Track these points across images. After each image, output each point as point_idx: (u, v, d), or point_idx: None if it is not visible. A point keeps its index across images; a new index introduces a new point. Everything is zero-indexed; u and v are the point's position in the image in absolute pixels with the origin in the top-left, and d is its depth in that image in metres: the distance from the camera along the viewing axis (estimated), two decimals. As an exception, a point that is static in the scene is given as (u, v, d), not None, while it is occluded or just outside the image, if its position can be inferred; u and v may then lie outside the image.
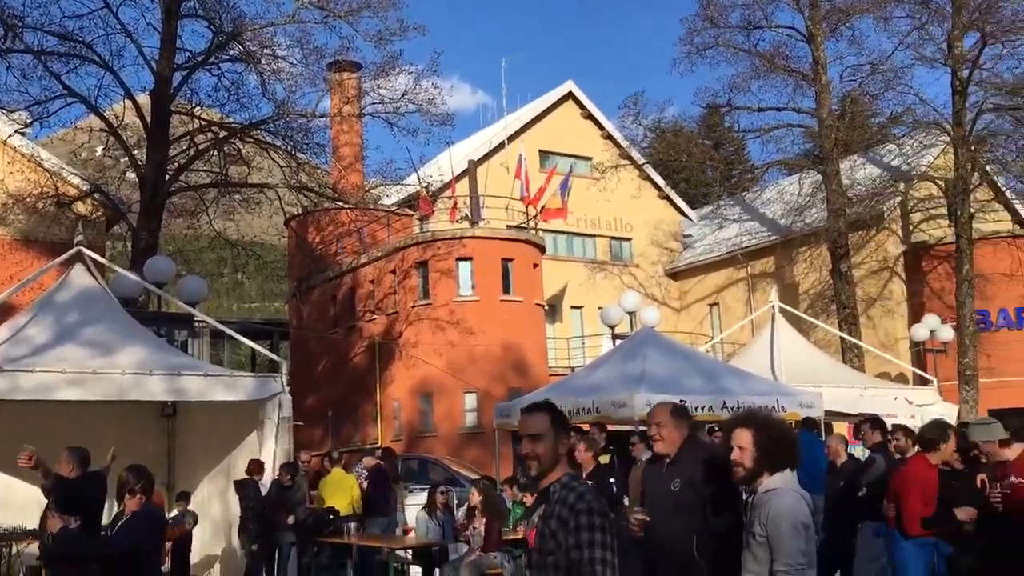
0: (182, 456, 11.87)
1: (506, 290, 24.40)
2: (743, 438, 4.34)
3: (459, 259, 24.21)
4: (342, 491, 12.09)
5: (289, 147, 20.95)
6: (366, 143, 27.44)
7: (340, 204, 24.53)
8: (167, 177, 19.39)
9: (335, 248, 28.21)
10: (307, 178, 21.82)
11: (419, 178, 24.51)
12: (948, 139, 24.15)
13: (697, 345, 24.95)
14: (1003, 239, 25.44)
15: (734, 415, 4.66)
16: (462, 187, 26.39)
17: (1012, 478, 6.33)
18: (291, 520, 11.11)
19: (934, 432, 6.56)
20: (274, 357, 12.66)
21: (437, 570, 10.44)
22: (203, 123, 20.95)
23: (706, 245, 34.17)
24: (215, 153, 20.89)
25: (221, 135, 20.87)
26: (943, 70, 24.00)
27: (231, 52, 20.24)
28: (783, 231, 28.89)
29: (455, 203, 25.39)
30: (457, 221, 25.86)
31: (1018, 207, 29.30)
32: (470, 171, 26.05)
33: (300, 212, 25.06)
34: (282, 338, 32.70)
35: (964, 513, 5.96)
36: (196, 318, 15.38)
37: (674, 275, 34.74)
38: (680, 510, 4.95)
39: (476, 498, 10.17)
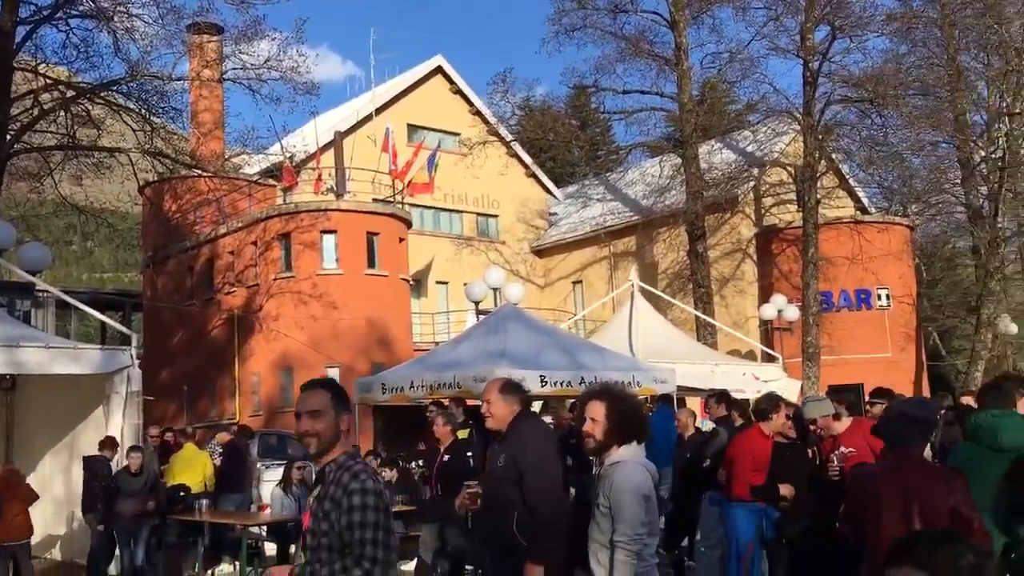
0: (22, 430, 11.29)
1: (371, 264, 24.16)
2: (596, 411, 4.46)
3: (323, 232, 23.80)
4: (193, 468, 11.77)
5: (143, 110, 20.03)
6: (227, 110, 26.52)
7: (198, 172, 23.66)
8: (8, 137, 18.23)
9: (193, 217, 27.22)
10: (163, 144, 20.91)
11: (283, 148, 23.88)
12: (798, 127, 25.27)
13: (560, 322, 25.41)
14: (846, 224, 26.90)
15: (588, 388, 4.77)
16: (327, 159, 25.90)
17: (843, 449, 6.75)
18: (151, 505, 10.49)
19: (766, 403, 6.91)
20: (123, 329, 12.18)
21: (293, 546, 10.31)
22: (49, 81, 19.75)
23: (571, 223, 34.75)
24: (62, 114, 19.74)
25: (69, 95, 19.72)
26: (796, 61, 25.09)
27: (81, 7, 19.15)
28: (644, 212, 29.67)
29: (320, 175, 24.88)
30: (322, 193, 25.38)
31: (860, 194, 31.04)
32: (336, 143, 25.60)
33: (155, 179, 24.02)
34: (135, 310, 31.44)
35: (785, 488, 6.31)
36: (38, 287, 14.58)
37: (539, 252, 35.19)
38: (504, 487, 4.98)
39: (334, 473, 10.07)
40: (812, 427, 7.15)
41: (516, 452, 5.09)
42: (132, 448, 10.24)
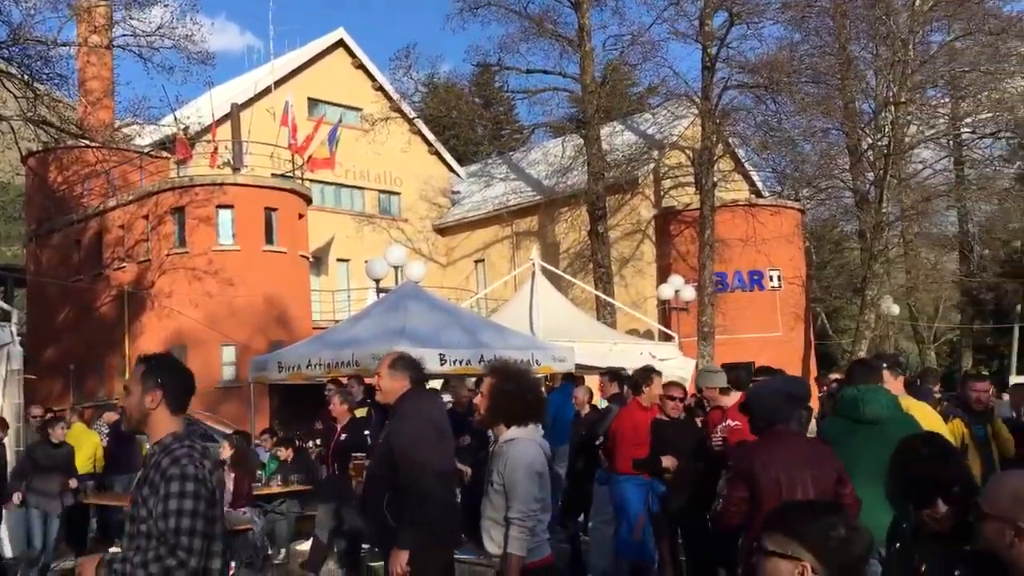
0: None
1: (269, 240, 23.66)
2: (485, 386, 4.53)
3: (219, 206, 23.16)
4: (82, 447, 11.35)
5: (26, 76, 19.09)
6: (117, 78, 25.38)
7: (86, 142, 22.72)
8: None
9: (80, 189, 26.12)
10: (47, 112, 19.98)
11: (176, 119, 23.14)
12: (697, 112, 25.77)
13: (462, 300, 25.41)
14: (741, 207, 27.60)
15: (490, 363, 4.81)
16: (224, 132, 25.19)
17: (729, 422, 6.94)
18: (72, 484, 9.97)
19: (639, 375, 7.09)
20: (3, 305, 11.62)
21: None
22: (-78, 43, 18.65)
23: (474, 202, 34.71)
24: (-64, 77, 18.69)
25: (-58, 58, 18.68)
26: (695, 46, 25.55)
27: (-44, -35, 18.10)
28: (547, 192, 29.86)
29: (216, 148, 24.18)
30: (218, 167, 24.67)
31: (755, 178, 31.90)
32: (233, 115, 24.90)
33: (40, 148, 22.95)
34: (18, 285, 30.08)
35: (667, 460, 6.46)
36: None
37: (442, 231, 35.06)
38: (380, 465, 5.02)
39: (227, 452, 9.89)
40: (702, 396, 7.36)
41: (392, 431, 5.09)
42: (52, 419, 9.78)
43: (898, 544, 3.01)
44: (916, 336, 38.31)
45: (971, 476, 3.11)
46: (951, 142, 30.67)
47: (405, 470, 4.89)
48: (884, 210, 26.79)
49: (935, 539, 2.88)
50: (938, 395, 8.75)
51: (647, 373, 6.99)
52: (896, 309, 30.16)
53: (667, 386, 7.45)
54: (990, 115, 27.83)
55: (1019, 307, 36.13)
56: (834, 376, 9.00)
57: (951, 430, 5.62)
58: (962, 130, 29.83)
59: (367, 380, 10.56)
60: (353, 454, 5.26)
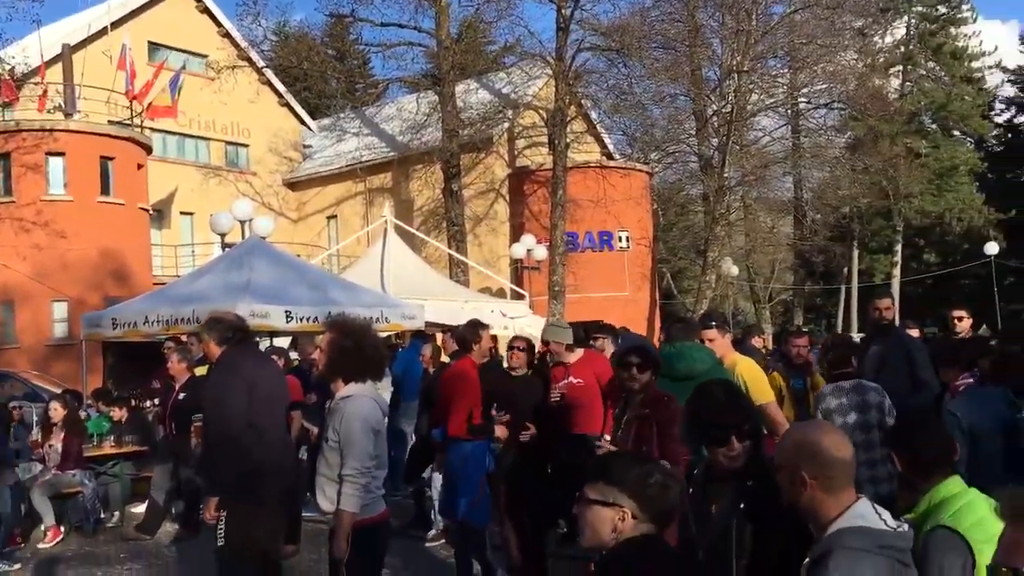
0: None
1: (105, 191, 22.46)
2: (325, 340, 4.47)
3: (49, 154, 21.79)
4: None
5: None
6: (-68, 10, 23.40)
7: None
8: None
9: None
10: None
11: (0, 59, 21.52)
12: (551, 72, 25.96)
13: (313, 257, 24.92)
14: (592, 168, 28.11)
15: (328, 318, 4.76)
16: (54, 74, 23.63)
17: (571, 379, 7.09)
18: None
19: (467, 332, 6.80)
20: None
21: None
22: None
23: (326, 157, 33.94)
24: None
25: None
26: (550, 6, 25.62)
27: None
28: (401, 148, 29.52)
29: (45, 91, 22.64)
30: (48, 111, 23.14)
31: (606, 140, 32.53)
32: (65, 57, 23.36)
33: None
34: None
35: (500, 430, 6.53)
36: None
37: (292, 185, 34.18)
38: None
39: (58, 413, 9.41)
40: (546, 348, 7.41)
41: (205, 386, 5.06)
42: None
43: (691, 489, 3.18)
44: (753, 296, 40.29)
45: (759, 417, 3.36)
46: (789, 111, 32.18)
47: (209, 424, 4.94)
48: (726, 175, 27.89)
49: (726, 479, 3.07)
50: (763, 351, 9.22)
51: (474, 328, 6.72)
52: (735, 270, 31.58)
53: (513, 338, 7.51)
54: (824, 86, 29.35)
55: (846, 269, 38.57)
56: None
57: (770, 382, 5.94)
58: (799, 100, 31.34)
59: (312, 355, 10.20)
60: (194, 416, 5.12)
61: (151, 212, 25.17)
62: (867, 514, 2.47)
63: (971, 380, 5.72)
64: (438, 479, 8.22)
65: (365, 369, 4.39)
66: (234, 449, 4.89)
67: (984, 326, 19.25)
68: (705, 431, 3.14)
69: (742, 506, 2.96)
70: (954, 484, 3.01)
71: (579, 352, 7.15)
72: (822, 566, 2.34)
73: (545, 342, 7.50)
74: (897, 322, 8.43)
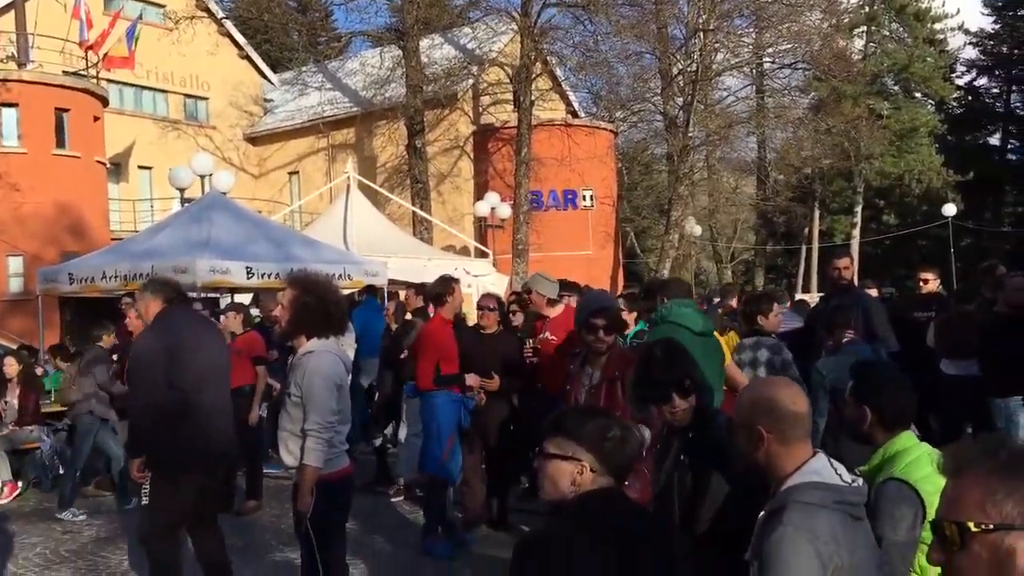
0: None
1: (60, 144, 21.99)
2: (286, 296, 4.44)
3: (2, 104, 21.24)
4: None
5: None
6: None
7: None
8: None
9: None
10: None
11: (-51, 5, 20.88)
12: (516, 28, 25.69)
13: (274, 213, 24.64)
14: (557, 127, 27.98)
15: (290, 274, 4.72)
16: (6, 23, 22.97)
17: (547, 334, 7.11)
18: None
19: (440, 287, 6.72)
20: None
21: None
22: None
23: (288, 111, 33.43)
24: None
25: None
26: (516, -39, 25.32)
27: None
28: (364, 103, 29.15)
29: (-3, 39, 22.04)
30: (1, 61, 22.54)
31: (572, 98, 32.37)
32: (17, 5, 22.70)
33: None
34: None
35: (471, 379, 6.57)
36: None
37: (253, 140, 33.69)
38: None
39: (12, 369, 9.29)
40: (528, 297, 7.42)
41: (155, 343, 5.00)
42: None
43: (657, 446, 3.25)
44: (715, 256, 40.64)
45: (700, 373, 3.42)
46: (754, 71, 32.21)
47: (131, 385, 4.97)
48: (691, 134, 27.92)
49: (677, 433, 3.15)
50: (722, 312, 9.31)
51: (447, 283, 6.65)
52: (698, 230, 31.75)
53: (482, 297, 7.52)
54: (789, 46, 29.34)
55: (806, 230, 38.95)
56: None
57: (726, 341, 6.04)
58: (764, 60, 31.36)
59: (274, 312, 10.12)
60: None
61: (108, 166, 24.71)
62: (823, 469, 2.52)
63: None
64: (403, 435, 8.26)
65: (327, 325, 4.38)
66: (156, 412, 4.81)
67: (940, 286, 19.59)
68: (647, 390, 3.22)
69: (682, 458, 3.05)
70: (907, 438, 3.09)
71: (559, 307, 7.16)
72: (776, 520, 2.39)
73: (528, 291, 7.50)
74: (856, 282, 8.56)
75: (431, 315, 7.02)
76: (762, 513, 2.51)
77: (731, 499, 2.97)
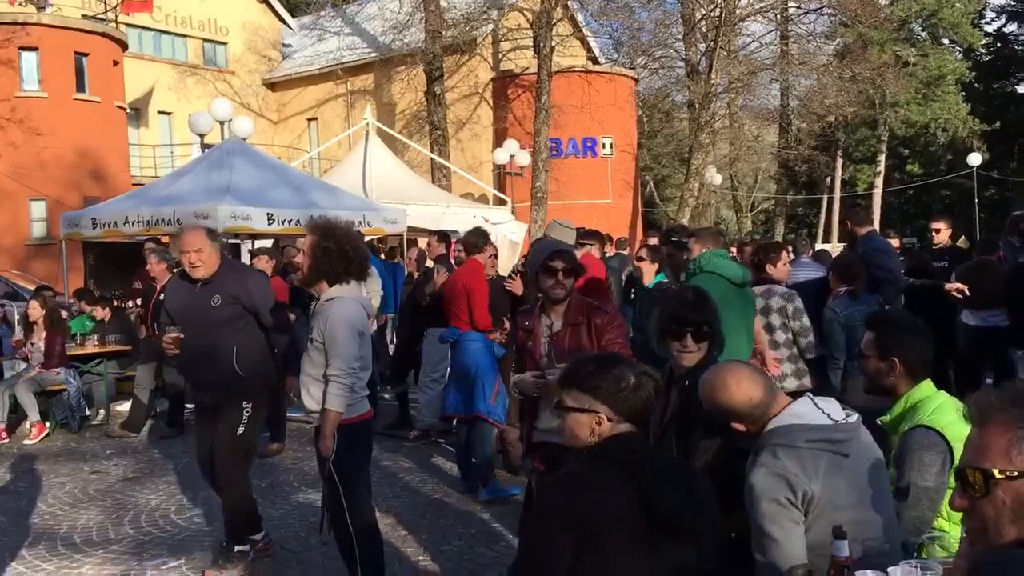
0: None
1: (80, 88, 22.00)
2: (307, 243, 4.46)
3: (22, 48, 21.24)
4: None
5: None
6: None
7: None
8: None
9: None
10: None
11: (-34, -53, 20.77)
12: (537, -28, 25.29)
13: (293, 160, 24.63)
14: (577, 73, 27.68)
15: (309, 220, 4.72)
16: (24, -36, 22.81)
17: None
18: None
19: (475, 237, 7.12)
20: None
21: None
22: None
23: (306, 57, 33.23)
24: None
25: None
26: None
27: None
28: (383, 49, 28.91)
29: (15, -18, 21.94)
30: (20, 4, 22.44)
31: (592, 44, 31.95)
32: (34, -54, 22.54)
33: None
34: None
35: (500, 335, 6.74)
36: None
37: (272, 85, 33.55)
38: (223, 324, 5.07)
39: (37, 311, 9.40)
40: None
41: (234, 291, 5.08)
42: None
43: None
44: (735, 205, 40.32)
45: (721, 326, 3.51)
46: (778, 16, 31.59)
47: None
48: (713, 81, 27.53)
49: (676, 383, 3.35)
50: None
51: (483, 234, 7.12)
52: (719, 179, 31.51)
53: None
54: (816, -9, 28.77)
55: (828, 179, 38.54)
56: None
57: None
58: (789, 4, 30.75)
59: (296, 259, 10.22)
60: (168, 327, 5.12)
61: (128, 111, 24.71)
62: (805, 412, 2.65)
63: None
64: (429, 387, 8.33)
65: (348, 270, 4.40)
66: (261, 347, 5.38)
67: (963, 237, 19.42)
68: (668, 323, 3.28)
69: (677, 406, 3.14)
70: (928, 387, 3.10)
71: (577, 255, 7.21)
72: (753, 463, 2.58)
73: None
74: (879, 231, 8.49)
75: (462, 261, 7.14)
76: (749, 458, 2.64)
77: (722, 450, 3.04)
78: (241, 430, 5.07)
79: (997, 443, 1.51)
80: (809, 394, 2.79)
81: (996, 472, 1.50)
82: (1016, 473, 1.49)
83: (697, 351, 3.31)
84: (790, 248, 8.15)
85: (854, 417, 2.68)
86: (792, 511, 2.49)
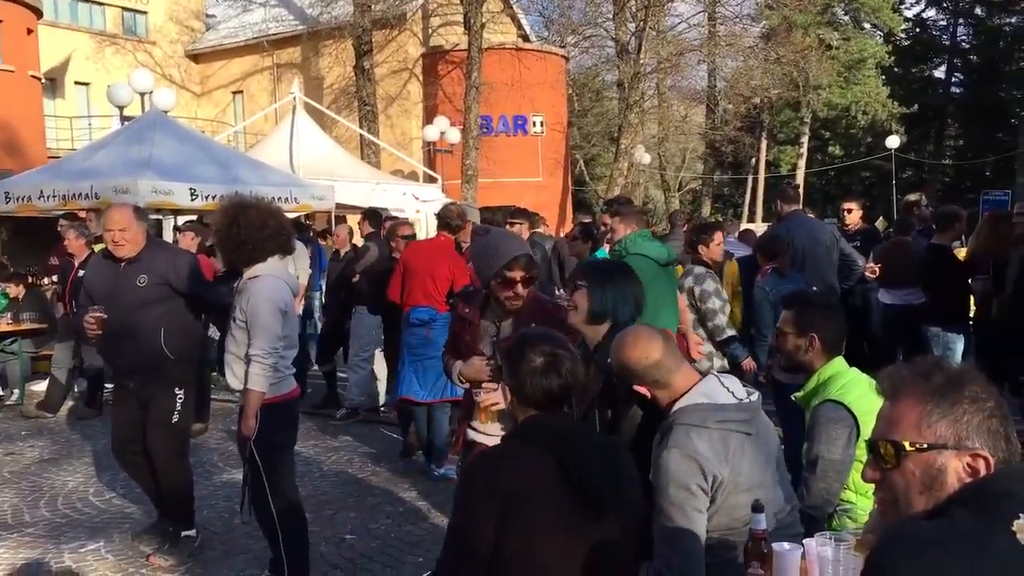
0: None
1: (-8, 57, 21.14)
2: (216, 224, 4.33)
3: (-72, 14, 20.31)
4: None
5: None
6: None
7: None
8: None
9: None
10: None
11: None
12: (468, -54, 25.05)
13: (217, 134, 24.08)
14: (508, 50, 27.56)
15: (223, 199, 4.59)
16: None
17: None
18: None
19: (454, 217, 7.02)
20: None
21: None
22: None
23: (231, 28, 32.44)
24: None
25: None
26: None
27: None
28: (310, 21, 28.38)
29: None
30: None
31: (523, 22, 31.86)
32: (-61, -95, 21.51)
33: None
34: None
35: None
36: None
37: (196, 57, 32.69)
38: (149, 304, 4.94)
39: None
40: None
41: (160, 270, 4.94)
42: None
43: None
44: (663, 184, 40.78)
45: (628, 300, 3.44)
46: (707, -3, 31.94)
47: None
48: (642, 61, 27.72)
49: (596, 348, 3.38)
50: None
51: (464, 215, 7.15)
52: (647, 158, 31.78)
53: (400, 226, 7.67)
54: (743, -28, 29.11)
55: (753, 160, 39.23)
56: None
57: (727, 270, 6.30)
58: (717, -15, 31.10)
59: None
60: (90, 307, 4.93)
61: (43, 81, 23.84)
62: (711, 390, 2.68)
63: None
64: (359, 366, 8.26)
65: (263, 249, 4.28)
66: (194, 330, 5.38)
67: (881, 218, 20.00)
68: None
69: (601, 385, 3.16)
70: (840, 363, 3.21)
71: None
72: (663, 443, 2.58)
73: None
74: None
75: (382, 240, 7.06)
76: (657, 435, 2.66)
77: (641, 425, 3.07)
78: (175, 417, 4.98)
79: (908, 416, 1.55)
80: (713, 372, 2.82)
81: (907, 444, 1.54)
82: (926, 445, 1.53)
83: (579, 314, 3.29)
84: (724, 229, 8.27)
85: (755, 395, 2.73)
86: (699, 499, 2.50)
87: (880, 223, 15.65)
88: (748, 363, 5.93)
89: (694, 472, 2.50)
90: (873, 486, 1.64)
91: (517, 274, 3.49)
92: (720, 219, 12.59)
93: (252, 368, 4.16)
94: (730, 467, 2.52)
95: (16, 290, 9.77)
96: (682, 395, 2.67)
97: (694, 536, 2.48)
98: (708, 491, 2.51)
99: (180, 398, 5.00)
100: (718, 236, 6.19)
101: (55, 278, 9.83)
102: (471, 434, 3.62)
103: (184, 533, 5.08)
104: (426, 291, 6.61)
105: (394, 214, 15.97)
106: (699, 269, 5.97)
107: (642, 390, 2.75)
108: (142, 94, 17.51)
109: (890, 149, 33.19)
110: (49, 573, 4.86)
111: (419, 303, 6.61)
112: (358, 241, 9.13)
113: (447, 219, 6.99)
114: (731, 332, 5.87)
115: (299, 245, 9.12)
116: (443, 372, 5.31)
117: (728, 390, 2.69)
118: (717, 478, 2.51)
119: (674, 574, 2.46)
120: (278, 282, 4.31)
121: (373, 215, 8.75)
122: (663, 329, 2.95)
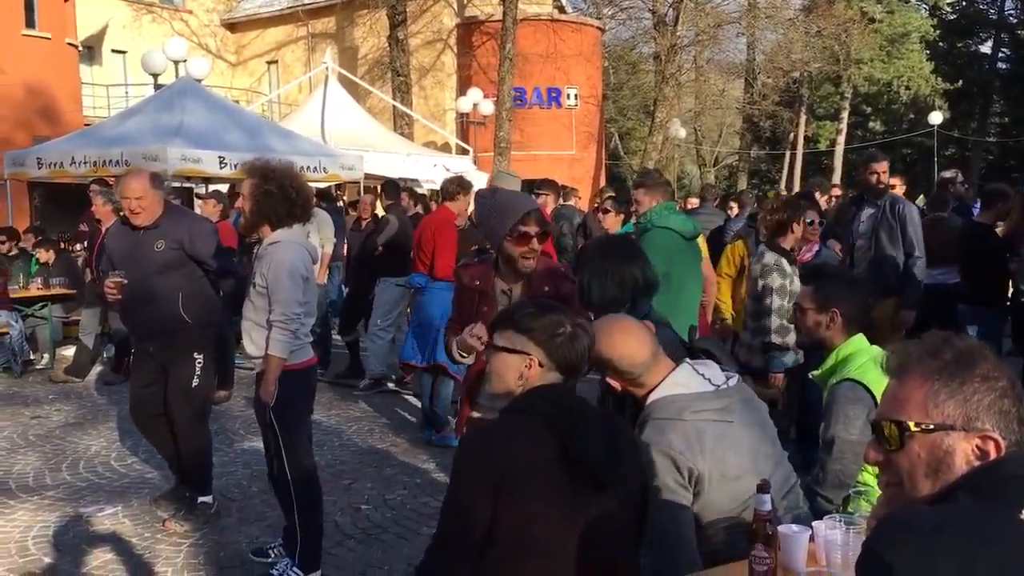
0: None
1: (30, 24, 21.27)
2: (246, 187, 4.31)
3: (-33, -19, 20.45)
4: None
5: None
6: None
7: None
8: None
9: None
10: None
11: None
12: (504, -85, 24.75)
13: (252, 103, 24.14)
14: (543, 22, 27.32)
15: (247, 163, 4.54)
16: None
17: None
18: None
19: (453, 185, 7.09)
20: None
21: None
22: None
23: (266, -3, 32.41)
24: None
25: None
26: None
27: None
28: (345, -9, 28.27)
29: (-41, -90, 21.04)
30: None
31: (559, -7, 31.52)
32: None
33: None
34: None
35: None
36: None
37: (231, 26, 32.72)
38: (166, 270, 4.95)
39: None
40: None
41: (179, 236, 4.95)
42: None
43: None
44: (699, 159, 40.32)
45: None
46: (747, -32, 31.36)
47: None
48: (679, 33, 27.34)
49: None
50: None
51: (460, 182, 7.13)
52: (683, 132, 31.42)
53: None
54: (784, -57, 28.55)
55: (791, 135, 38.63)
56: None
57: (732, 251, 6.15)
58: (758, -43, 30.52)
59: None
60: (110, 272, 4.95)
61: (80, 48, 24.00)
62: (684, 380, 2.58)
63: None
64: (378, 335, 8.24)
65: (290, 213, 4.27)
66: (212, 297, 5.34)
67: (922, 196, 19.56)
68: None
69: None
70: (860, 340, 3.10)
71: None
72: (639, 437, 2.50)
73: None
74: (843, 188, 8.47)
75: (406, 211, 7.02)
76: (636, 429, 2.57)
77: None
78: (196, 382, 5.01)
79: (914, 395, 1.46)
80: (688, 360, 2.69)
81: (912, 425, 1.45)
82: (932, 426, 1.44)
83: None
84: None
85: (735, 379, 2.63)
86: (678, 493, 2.43)
87: (920, 201, 15.32)
88: (778, 378, 5.19)
89: (668, 468, 2.43)
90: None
91: (532, 228, 3.33)
92: (742, 193, 12.10)
93: (273, 334, 4.13)
94: (710, 459, 2.43)
95: (47, 255, 9.86)
96: (658, 385, 2.57)
97: (678, 530, 2.43)
98: (687, 485, 2.44)
99: (199, 363, 5.01)
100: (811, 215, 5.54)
101: (85, 244, 9.90)
102: (474, 414, 3.53)
103: (201, 499, 5.10)
104: (421, 259, 6.91)
105: (425, 185, 15.99)
106: (770, 257, 5.23)
107: (614, 384, 2.65)
108: (176, 62, 17.55)
109: (933, 125, 32.50)
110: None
111: (417, 270, 6.97)
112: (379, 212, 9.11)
113: (443, 188, 7.22)
114: (779, 341, 5.14)
115: (324, 214, 9.11)
116: (435, 341, 5.24)
117: (703, 377, 2.59)
118: (694, 472, 2.43)
119: (663, 566, 2.43)
120: (298, 248, 4.28)
121: (391, 186, 8.69)
122: (643, 321, 2.84)
